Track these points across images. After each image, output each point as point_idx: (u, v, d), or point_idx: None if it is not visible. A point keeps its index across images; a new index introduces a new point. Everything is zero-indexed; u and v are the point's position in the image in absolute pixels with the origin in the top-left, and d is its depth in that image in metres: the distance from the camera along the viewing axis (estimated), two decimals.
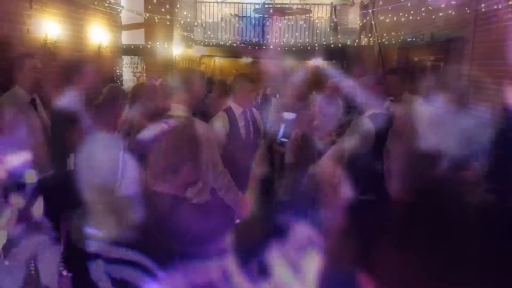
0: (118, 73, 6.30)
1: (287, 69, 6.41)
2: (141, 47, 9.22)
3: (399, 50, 7.53)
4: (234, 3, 12.28)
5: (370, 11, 10.24)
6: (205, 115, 3.33)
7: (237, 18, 11.51)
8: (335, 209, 1.49)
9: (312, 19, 11.84)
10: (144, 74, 9.65)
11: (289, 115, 3.95)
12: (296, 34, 11.21)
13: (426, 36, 6.16)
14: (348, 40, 12.17)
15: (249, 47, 10.67)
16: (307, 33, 11.28)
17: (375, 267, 0.79)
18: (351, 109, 4.39)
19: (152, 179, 1.54)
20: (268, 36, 11.27)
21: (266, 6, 11.14)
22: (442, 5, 5.68)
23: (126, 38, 7.57)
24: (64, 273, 2.11)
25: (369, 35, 10.50)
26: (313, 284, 1.11)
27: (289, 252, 1.21)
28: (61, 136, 3.13)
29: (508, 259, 0.70)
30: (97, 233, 1.92)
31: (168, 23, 8.88)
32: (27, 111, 2.78)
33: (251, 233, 2.16)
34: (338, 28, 11.63)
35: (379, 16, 9.46)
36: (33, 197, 2.38)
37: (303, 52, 11.00)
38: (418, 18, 6.73)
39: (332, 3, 11.50)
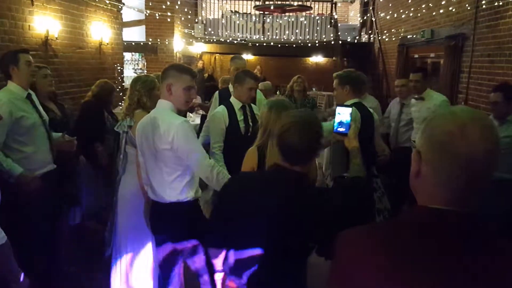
0: (119, 70, 6.30)
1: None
2: (142, 44, 9.23)
3: (400, 47, 7.54)
4: (235, 0, 12.28)
5: (370, 8, 10.24)
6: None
7: (237, 15, 11.50)
8: None
9: (312, 16, 11.84)
10: (145, 71, 9.65)
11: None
12: (297, 31, 11.20)
13: (426, 33, 6.18)
14: (349, 37, 12.16)
15: (250, 44, 10.67)
16: (307, 30, 11.26)
17: None
18: None
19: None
20: (268, 33, 11.27)
21: (267, 3, 11.14)
22: (443, 2, 5.69)
23: (127, 35, 7.57)
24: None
25: (370, 32, 10.49)
26: None
27: None
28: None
29: None
30: None
31: (168, 20, 8.89)
32: (24, 107, 2.79)
33: None
34: (339, 25, 11.62)
35: (379, 13, 9.45)
36: None
37: (303, 49, 11.00)
38: (419, 15, 6.74)
39: (332, 0, 11.50)
